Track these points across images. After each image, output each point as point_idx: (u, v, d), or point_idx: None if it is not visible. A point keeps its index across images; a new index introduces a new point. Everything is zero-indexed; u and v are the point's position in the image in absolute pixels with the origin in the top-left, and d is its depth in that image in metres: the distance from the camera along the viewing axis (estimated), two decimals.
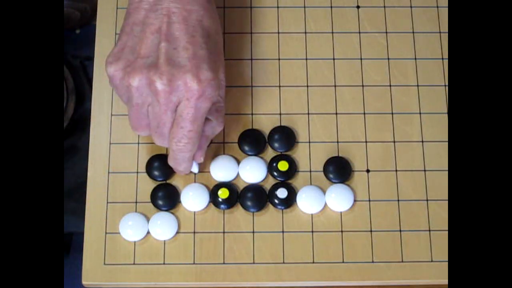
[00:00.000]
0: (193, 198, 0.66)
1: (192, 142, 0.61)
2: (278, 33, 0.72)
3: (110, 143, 0.68)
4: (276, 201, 0.66)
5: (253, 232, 0.66)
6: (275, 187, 0.67)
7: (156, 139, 0.63)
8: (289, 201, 0.66)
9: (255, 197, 0.66)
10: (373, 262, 0.65)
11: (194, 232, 0.66)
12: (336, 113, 0.69)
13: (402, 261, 0.65)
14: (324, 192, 0.67)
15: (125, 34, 0.62)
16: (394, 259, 0.65)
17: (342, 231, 0.66)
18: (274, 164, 0.67)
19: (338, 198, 0.67)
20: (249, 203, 0.66)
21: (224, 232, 0.66)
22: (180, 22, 0.60)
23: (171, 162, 0.64)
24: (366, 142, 0.69)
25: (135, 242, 0.66)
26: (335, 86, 0.70)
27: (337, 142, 0.69)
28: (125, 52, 0.61)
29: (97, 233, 0.66)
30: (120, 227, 0.66)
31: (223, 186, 0.66)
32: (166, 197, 0.67)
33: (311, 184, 0.67)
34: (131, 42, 0.61)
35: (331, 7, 0.73)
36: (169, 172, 0.67)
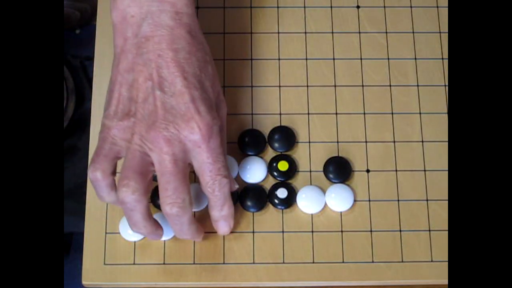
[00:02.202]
0: (193, 198, 0.66)
1: (225, 176, 0.60)
2: (278, 33, 0.72)
3: None
4: (276, 201, 0.66)
5: (253, 232, 0.66)
6: (275, 187, 0.67)
7: (164, 202, 0.60)
8: (289, 201, 0.66)
9: (255, 197, 0.66)
10: (373, 262, 0.65)
11: None
12: (336, 113, 0.69)
13: (402, 261, 0.65)
14: (324, 192, 0.67)
15: (118, 85, 0.60)
16: (394, 259, 0.65)
17: (342, 231, 0.66)
18: (274, 164, 0.67)
19: (338, 198, 0.67)
20: (249, 203, 0.66)
21: None
22: (169, 65, 0.59)
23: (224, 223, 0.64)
24: (366, 142, 0.69)
25: (135, 242, 0.66)
26: (335, 86, 0.70)
27: (337, 142, 0.69)
28: (124, 105, 0.60)
29: (97, 233, 0.66)
30: (120, 227, 0.66)
31: None
32: None
33: (311, 184, 0.67)
34: (127, 92, 0.60)
35: (331, 7, 0.73)
36: None
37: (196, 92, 0.59)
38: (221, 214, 0.63)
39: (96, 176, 0.60)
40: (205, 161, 0.59)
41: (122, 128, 0.59)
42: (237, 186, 0.64)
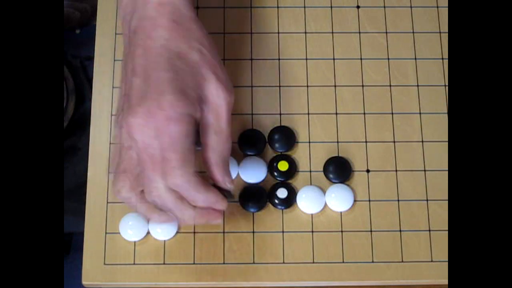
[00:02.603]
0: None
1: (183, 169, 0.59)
2: (278, 33, 0.72)
3: (110, 143, 0.68)
4: (276, 201, 0.66)
5: (253, 232, 0.66)
6: (275, 187, 0.67)
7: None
8: (289, 201, 0.66)
9: (255, 197, 0.66)
10: (373, 262, 0.65)
11: (194, 232, 0.66)
12: (336, 113, 0.69)
13: (402, 261, 0.65)
14: (324, 192, 0.67)
15: (122, 81, 0.62)
16: (394, 259, 0.65)
17: (342, 231, 0.66)
18: (274, 164, 0.67)
19: (338, 198, 0.67)
20: (249, 203, 0.66)
21: (224, 232, 0.66)
22: (141, 54, 0.59)
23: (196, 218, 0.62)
24: (366, 142, 0.69)
25: (135, 242, 0.66)
26: (335, 86, 0.70)
27: (337, 142, 0.69)
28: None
29: (97, 233, 0.66)
30: (120, 227, 0.66)
31: None
32: None
33: (311, 184, 0.67)
34: (123, 87, 0.61)
35: (331, 7, 0.73)
36: None
37: (166, 74, 0.59)
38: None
39: None
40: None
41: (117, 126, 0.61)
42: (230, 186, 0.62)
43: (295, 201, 0.67)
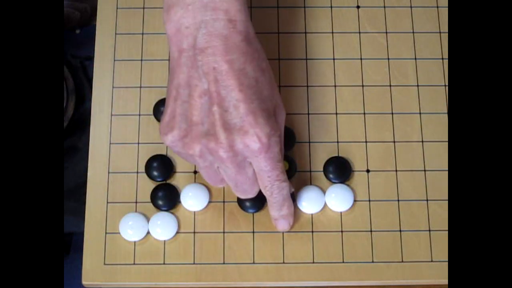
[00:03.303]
0: (193, 198, 0.66)
1: (284, 181, 0.62)
2: (278, 33, 0.72)
3: (110, 143, 0.68)
4: None
5: (253, 232, 0.66)
6: None
7: (239, 194, 0.64)
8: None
9: (253, 198, 0.66)
10: (373, 262, 0.65)
11: (194, 232, 0.66)
12: (336, 113, 0.69)
13: (402, 261, 0.65)
14: (324, 192, 0.67)
15: (173, 100, 0.60)
16: (394, 259, 0.65)
17: (342, 231, 0.66)
18: None
19: (338, 198, 0.67)
20: (247, 204, 0.66)
21: (224, 232, 0.66)
22: (224, 79, 0.58)
23: (278, 211, 0.65)
24: (366, 142, 0.69)
25: (135, 242, 0.66)
26: (335, 86, 0.70)
27: (337, 142, 0.69)
28: (177, 120, 0.59)
29: (97, 233, 0.66)
30: (120, 227, 0.66)
31: None
32: (166, 197, 0.67)
33: (311, 184, 0.67)
34: (180, 108, 0.59)
35: (331, 7, 0.73)
36: (168, 172, 0.67)
37: (253, 104, 0.58)
38: (280, 214, 0.64)
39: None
40: (263, 169, 0.60)
41: (176, 140, 0.60)
42: (292, 189, 0.65)
43: (295, 201, 0.67)
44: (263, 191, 0.62)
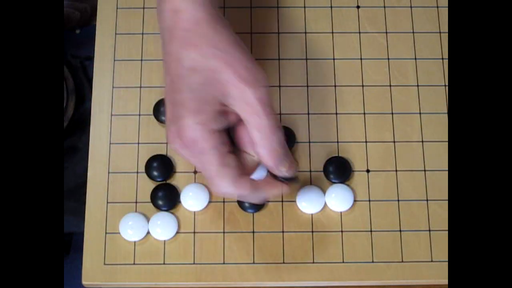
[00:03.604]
0: (193, 198, 0.66)
1: (209, 162, 0.60)
2: (278, 33, 0.72)
3: (110, 143, 0.68)
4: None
5: (253, 232, 0.66)
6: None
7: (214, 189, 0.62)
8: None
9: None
10: (373, 262, 0.65)
11: (194, 232, 0.66)
12: (336, 113, 0.69)
13: (402, 261, 0.65)
14: (324, 192, 0.67)
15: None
16: (394, 259, 0.65)
17: (342, 231, 0.66)
18: None
19: (338, 198, 0.67)
20: (246, 204, 0.66)
21: (224, 232, 0.66)
22: (165, 73, 0.60)
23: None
24: (366, 142, 0.69)
25: (135, 242, 0.66)
26: (335, 86, 0.70)
27: (337, 142, 0.69)
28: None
29: (97, 233, 0.66)
30: (120, 227, 0.66)
31: None
32: (166, 197, 0.67)
33: (311, 184, 0.67)
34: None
35: (331, 7, 0.73)
36: (168, 172, 0.67)
37: (182, 96, 0.59)
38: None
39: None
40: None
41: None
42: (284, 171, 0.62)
43: (295, 201, 0.67)
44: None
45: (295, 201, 0.67)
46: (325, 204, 0.67)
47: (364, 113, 0.70)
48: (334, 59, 0.71)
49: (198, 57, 0.58)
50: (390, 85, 0.70)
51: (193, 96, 0.58)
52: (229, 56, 0.59)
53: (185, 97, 0.59)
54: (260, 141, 0.59)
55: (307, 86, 0.70)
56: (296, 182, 0.63)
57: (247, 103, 0.58)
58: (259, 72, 0.60)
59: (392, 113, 0.70)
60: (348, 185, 0.67)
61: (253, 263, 0.65)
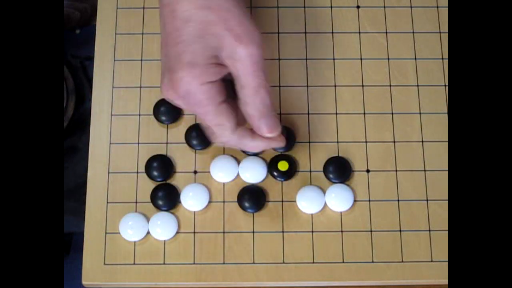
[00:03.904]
0: (193, 198, 0.66)
1: (211, 114, 0.60)
2: (278, 33, 0.72)
3: (110, 143, 0.68)
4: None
5: (253, 232, 0.66)
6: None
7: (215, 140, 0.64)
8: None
9: (253, 198, 0.66)
10: (373, 262, 0.65)
11: (194, 232, 0.66)
12: (336, 113, 0.69)
13: (402, 261, 0.65)
14: (324, 192, 0.67)
15: None
16: (394, 259, 0.65)
17: (342, 231, 0.66)
18: (274, 164, 0.67)
19: (338, 198, 0.67)
20: (246, 204, 0.66)
21: (224, 232, 0.66)
22: (161, 26, 0.61)
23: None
24: (366, 142, 0.69)
25: (135, 242, 0.66)
26: (335, 86, 0.70)
27: (337, 142, 0.69)
28: None
29: (97, 233, 0.66)
30: (120, 227, 0.66)
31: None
32: (166, 197, 0.67)
33: (311, 184, 0.67)
34: None
35: (331, 7, 0.73)
36: (168, 172, 0.67)
37: (175, 48, 0.60)
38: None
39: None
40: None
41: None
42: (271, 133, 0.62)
43: (295, 200, 0.67)
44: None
45: (295, 201, 0.67)
46: (325, 204, 0.67)
47: (364, 113, 0.69)
48: (334, 59, 0.71)
49: (192, 9, 0.59)
50: (390, 85, 0.70)
51: (187, 49, 0.59)
52: (224, 10, 0.59)
53: (179, 50, 0.59)
54: (243, 97, 0.60)
55: (307, 86, 0.70)
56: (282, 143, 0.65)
57: (236, 60, 0.59)
58: (254, 30, 0.59)
59: (392, 113, 0.70)
60: (348, 185, 0.67)
61: (253, 263, 0.65)
